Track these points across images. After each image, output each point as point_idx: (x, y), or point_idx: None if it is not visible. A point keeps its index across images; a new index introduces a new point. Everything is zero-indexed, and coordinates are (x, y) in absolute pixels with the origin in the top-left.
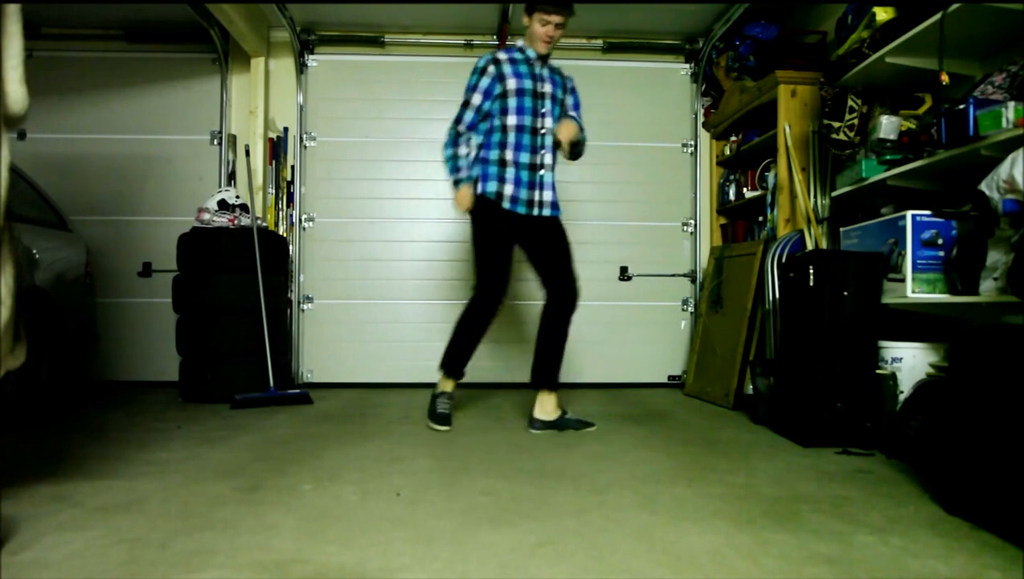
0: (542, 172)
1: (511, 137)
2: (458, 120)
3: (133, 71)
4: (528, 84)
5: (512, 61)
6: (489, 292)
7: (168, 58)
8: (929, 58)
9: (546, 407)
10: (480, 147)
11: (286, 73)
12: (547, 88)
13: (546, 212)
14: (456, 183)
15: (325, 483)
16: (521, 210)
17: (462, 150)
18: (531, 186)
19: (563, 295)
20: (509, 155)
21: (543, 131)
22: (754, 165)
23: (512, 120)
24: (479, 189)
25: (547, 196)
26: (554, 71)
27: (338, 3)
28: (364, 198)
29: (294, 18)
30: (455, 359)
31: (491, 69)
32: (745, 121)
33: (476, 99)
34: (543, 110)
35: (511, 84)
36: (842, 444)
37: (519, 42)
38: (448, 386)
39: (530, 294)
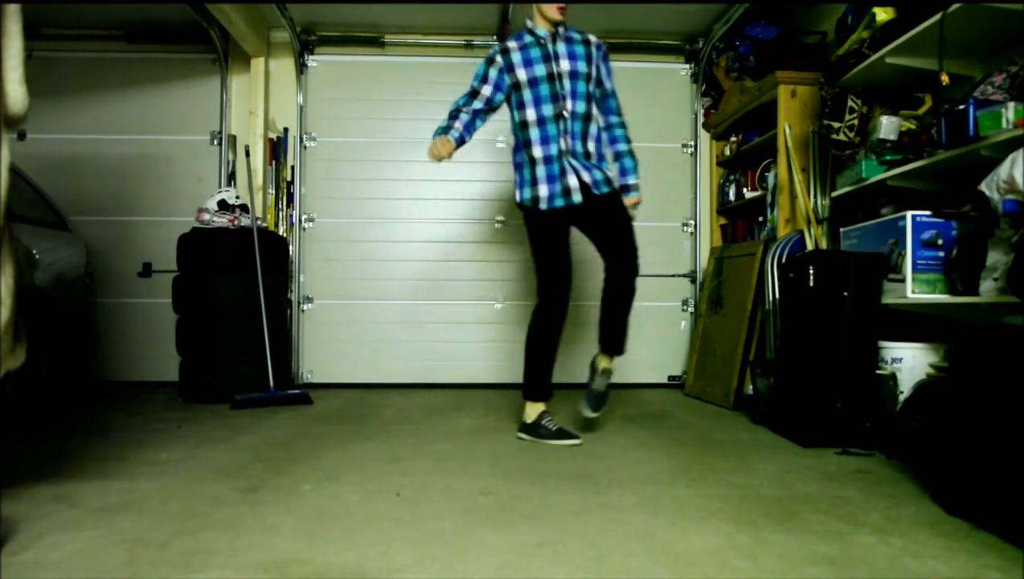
0: (569, 158)
1: (533, 133)
2: (463, 103)
3: (133, 71)
4: (541, 70)
5: (522, 48)
6: (546, 300)
7: (168, 58)
8: (929, 58)
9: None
10: (513, 153)
11: (286, 73)
12: (564, 66)
13: (576, 198)
14: (438, 133)
15: (325, 483)
16: (559, 204)
17: (455, 122)
18: (562, 174)
19: (615, 267)
20: (537, 152)
21: (566, 115)
22: (754, 165)
23: (531, 114)
24: (518, 197)
25: (573, 181)
26: (573, 42)
27: (338, 3)
28: (364, 198)
29: (294, 18)
30: (534, 380)
31: (499, 60)
32: (745, 121)
33: (486, 90)
34: (563, 92)
35: (521, 75)
36: (842, 444)
37: (528, 23)
38: (537, 410)
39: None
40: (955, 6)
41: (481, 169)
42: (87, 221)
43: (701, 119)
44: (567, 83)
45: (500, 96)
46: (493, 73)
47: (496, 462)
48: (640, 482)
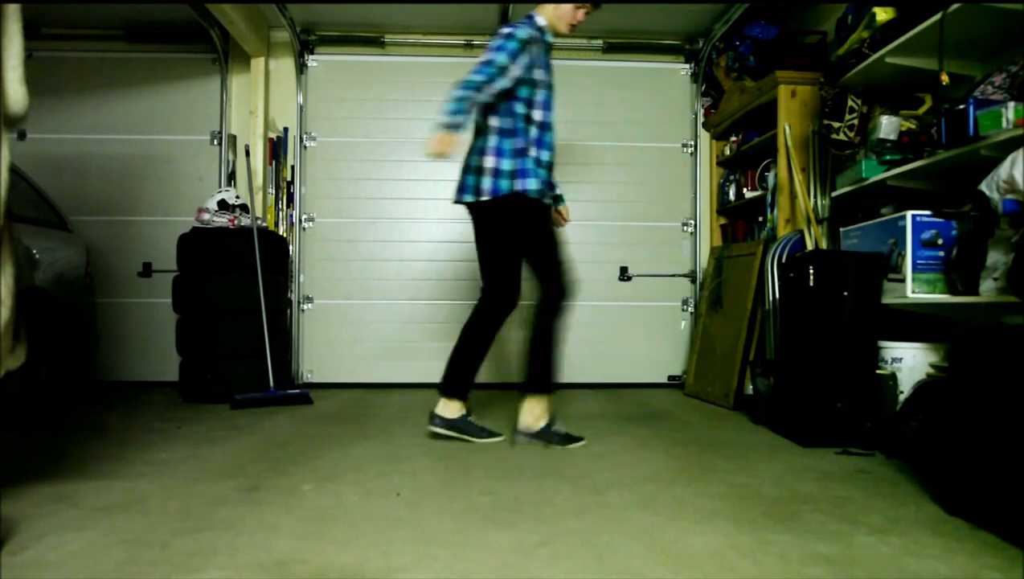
0: (550, 171)
1: (533, 132)
2: (487, 82)
3: (133, 71)
4: (548, 76)
5: (539, 45)
6: (511, 298)
7: (168, 58)
8: (929, 58)
9: (529, 414)
10: (508, 135)
11: (286, 73)
12: (552, 80)
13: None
14: (450, 127)
15: (325, 483)
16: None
17: (471, 108)
18: (549, 184)
19: (547, 290)
20: (543, 155)
21: (551, 127)
22: (754, 165)
23: (539, 116)
24: (519, 187)
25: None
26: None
27: (338, 3)
28: (364, 198)
29: (294, 18)
30: (468, 375)
31: (533, 48)
32: (745, 121)
33: (515, 71)
34: (553, 104)
35: (538, 75)
36: (842, 444)
37: (539, 19)
38: (459, 407)
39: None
40: (955, 6)
41: None
42: (87, 221)
43: (701, 119)
44: (552, 96)
45: (519, 88)
46: (524, 59)
47: (496, 462)
48: (640, 482)
